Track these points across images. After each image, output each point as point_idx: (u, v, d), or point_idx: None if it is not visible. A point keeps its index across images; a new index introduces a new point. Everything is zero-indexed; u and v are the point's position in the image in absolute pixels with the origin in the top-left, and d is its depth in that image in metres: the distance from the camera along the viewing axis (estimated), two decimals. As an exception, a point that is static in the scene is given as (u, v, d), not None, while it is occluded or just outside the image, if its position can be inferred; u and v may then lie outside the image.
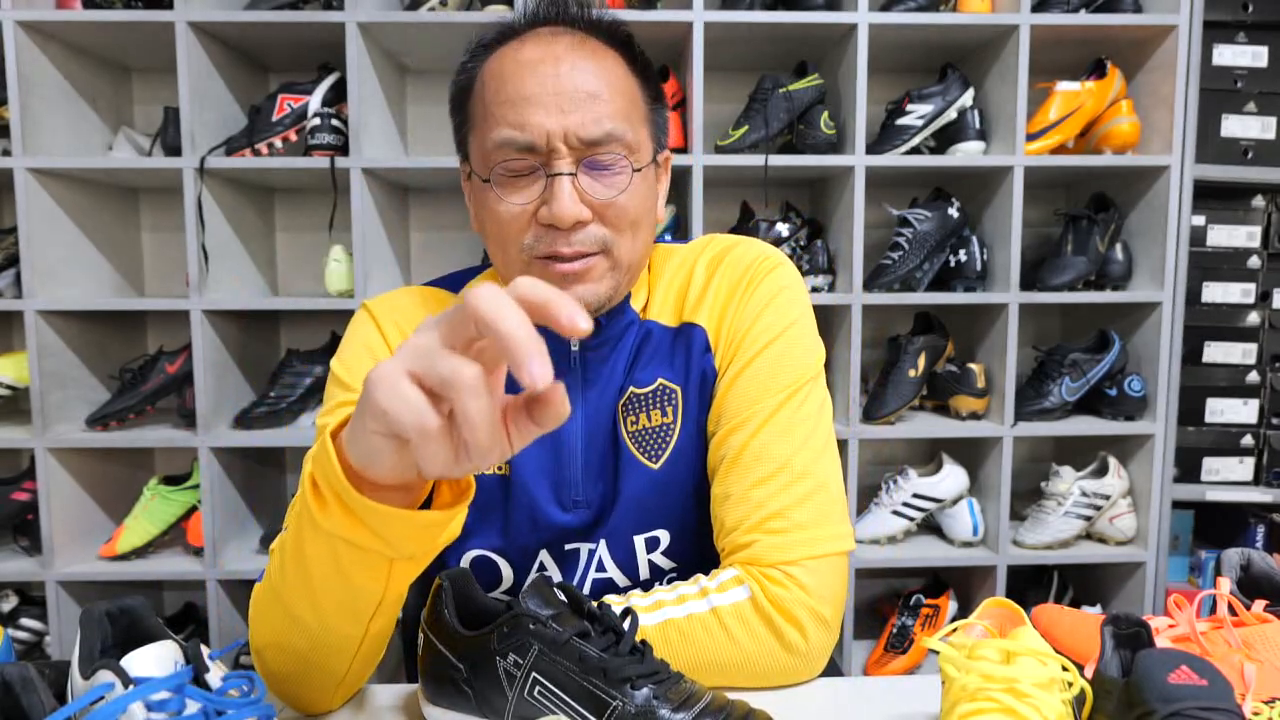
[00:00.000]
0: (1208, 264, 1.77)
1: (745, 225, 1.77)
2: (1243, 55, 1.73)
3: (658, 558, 0.79)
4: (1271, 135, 1.74)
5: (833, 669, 0.81)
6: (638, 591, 0.73)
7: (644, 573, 0.79)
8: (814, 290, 1.71)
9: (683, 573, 0.79)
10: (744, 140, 1.66)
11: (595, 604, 0.59)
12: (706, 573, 0.72)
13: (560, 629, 0.55)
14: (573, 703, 0.54)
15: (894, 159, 1.66)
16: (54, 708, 0.47)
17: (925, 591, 1.86)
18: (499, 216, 0.72)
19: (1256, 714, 0.52)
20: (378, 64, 1.68)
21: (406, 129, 1.90)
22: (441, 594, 0.60)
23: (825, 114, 1.67)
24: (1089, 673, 0.56)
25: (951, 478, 1.74)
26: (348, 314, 1.80)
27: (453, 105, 0.78)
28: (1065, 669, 0.51)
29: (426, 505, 0.52)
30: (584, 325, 0.40)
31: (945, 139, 1.72)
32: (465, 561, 0.79)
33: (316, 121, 1.61)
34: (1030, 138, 1.67)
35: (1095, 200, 1.79)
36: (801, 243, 1.76)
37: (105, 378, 1.78)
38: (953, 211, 1.72)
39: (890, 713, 0.63)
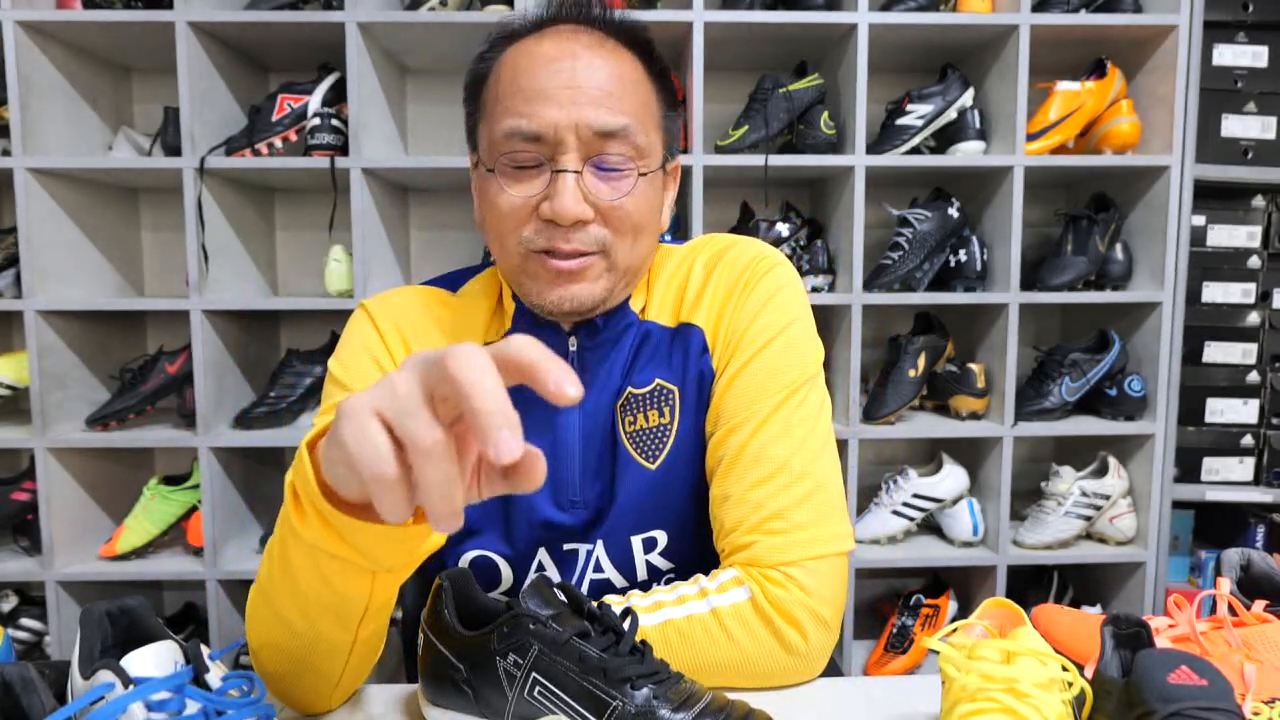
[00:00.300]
0: (1208, 264, 1.77)
1: (745, 225, 1.77)
2: (1243, 55, 1.73)
3: (655, 558, 0.79)
4: (1271, 135, 1.74)
5: (833, 669, 0.81)
6: (637, 592, 0.73)
7: (641, 573, 0.79)
8: (814, 290, 1.72)
9: (680, 573, 0.79)
10: (744, 140, 1.66)
11: (595, 604, 0.59)
12: (704, 573, 0.72)
13: (560, 629, 0.55)
14: (573, 703, 0.54)
15: (894, 159, 1.66)
16: (54, 708, 0.47)
17: (925, 591, 1.86)
18: (500, 207, 0.71)
19: (1256, 714, 0.52)
20: (378, 64, 1.68)
21: (406, 129, 1.90)
22: (441, 594, 0.60)
23: (825, 114, 1.67)
24: (1089, 673, 0.56)
25: (951, 478, 1.74)
26: (348, 314, 1.80)
27: (466, 94, 0.78)
28: (1065, 669, 0.51)
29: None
30: (572, 393, 0.38)
31: (945, 139, 1.72)
32: (464, 562, 0.79)
33: (316, 121, 1.61)
34: (1030, 138, 1.67)
35: (1095, 200, 1.79)
36: (801, 243, 1.76)
37: (105, 378, 1.78)
38: (953, 211, 1.72)
39: (890, 713, 0.63)
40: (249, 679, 0.52)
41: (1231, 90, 1.73)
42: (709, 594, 0.68)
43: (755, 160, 1.63)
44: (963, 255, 1.73)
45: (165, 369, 1.68)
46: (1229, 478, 1.79)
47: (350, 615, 0.56)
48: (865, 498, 1.83)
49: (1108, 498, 1.72)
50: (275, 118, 1.63)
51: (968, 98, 1.69)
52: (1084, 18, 1.64)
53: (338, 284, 1.68)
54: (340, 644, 0.58)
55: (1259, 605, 0.64)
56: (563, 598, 0.58)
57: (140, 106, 1.88)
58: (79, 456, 1.68)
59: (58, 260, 1.64)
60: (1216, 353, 1.78)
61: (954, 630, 0.59)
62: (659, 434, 0.77)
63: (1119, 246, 1.76)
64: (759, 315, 0.76)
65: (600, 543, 0.78)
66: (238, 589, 1.70)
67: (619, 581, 0.79)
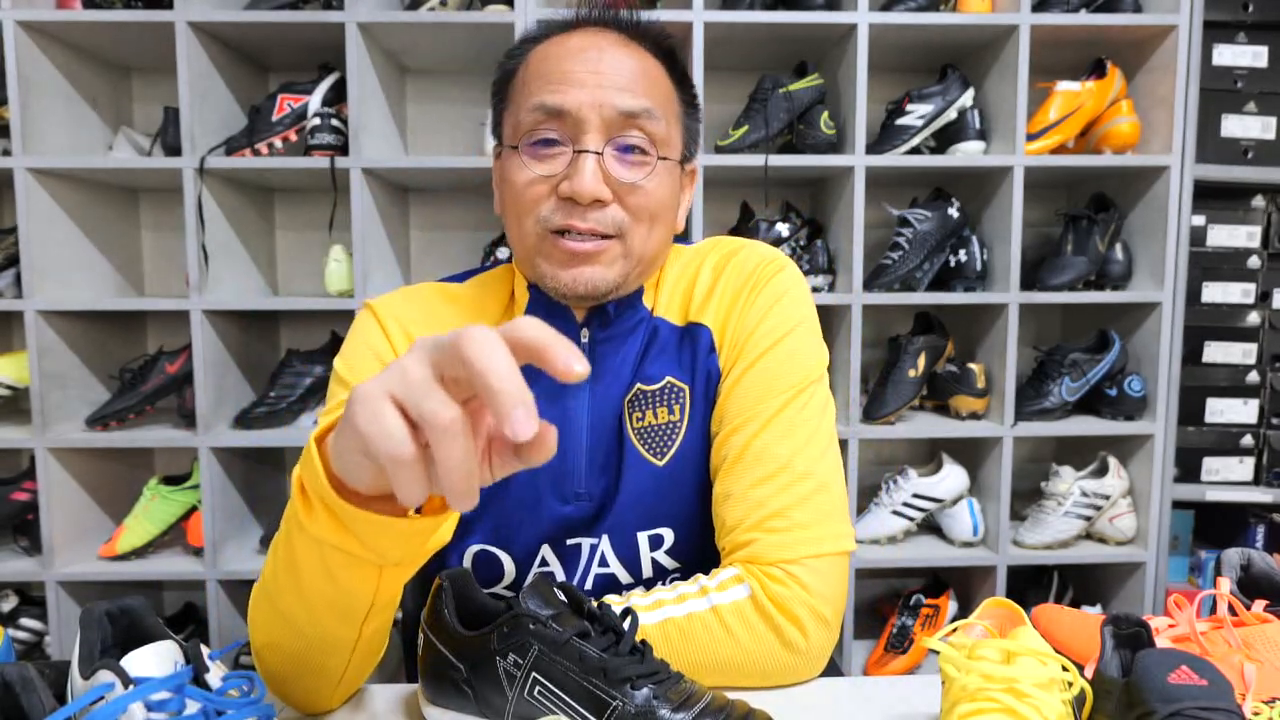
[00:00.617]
0: (1208, 264, 1.77)
1: (745, 225, 1.77)
2: (1243, 55, 1.73)
3: (661, 556, 0.79)
4: (1271, 135, 1.74)
5: (833, 669, 0.81)
6: (638, 591, 0.73)
7: (647, 570, 0.79)
8: (814, 290, 1.72)
9: (686, 573, 0.79)
10: (744, 140, 1.66)
11: (595, 604, 0.59)
12: (709, 573, 0.72)
13: (560, 629, 0.55)
14: (573, 703, 0.54)
15: (894, 159, 1.66)
16: (54, 708, 0.47)
17: (925, 591, 1.86)
18: (519, 184, 0.73)
19: (1256, 714, 0.52)
20: (378, 64, 1.68)
21: (406, 129, 1.90)
22: (441, 594, 0.60)
23: (825, 114, 1.67)
24: (1089, 673, 0.56)
25: (951, 478, 1.74)
26: (348, 314, 1.80)
27: (494, 89, 0.80)
28: (1065, 669, 0.51)
29: (418, 509, 0.52)
30: (580, 369, 0.39)
31: (945, 139, 1.72)
32: (467, 556, 0.79)
33: (316, 121, 1.61)
34: (1030, 138, 1.67)
35: (1095, 200, 1.79)
36: (801, 243, 1.76)
37: (105, 378, 1.78)
38: (953, 211, 1.72)
39: (890, 713, 0.63)
40: (249, 679, 0.52)
41: (1231, 90, 1.73)
42: (709, 592, 0.68)
43: (755, 160, 1.63)
44: (963, 255, 1.74)
45: (165, 369, 1.68)
46: (1229, 478, 1.79)
47: (355, 612, 0.56)
48: (865, 498, 1.83)
49: (1108, 498, 1.72)
50: (275, 118, 1.63)
51: (968, 98, 1.69)
52: (1084, 18, 1.64)
53: (338, 284, 1.68)
54: (344, 642, 0.58)
55: (1259, 605, 0.64)
56: (563, 598, 0.58)
57: (140, 106, 1.88)
58: (79, 456, 1.68)
59: (58, 260, 1.64)
60: (1216, 353, 1.78)
61: (954, 630, 0.59)
62: (668, 431, 0.78)
63: (1119, 246, 1.76)
64: (765, 318, 0.77)
65: (605, 537, 0.78)
66: (238, 589, 1.70)
67: (624, 577, 0.79)
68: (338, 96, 1.66)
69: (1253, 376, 1.78)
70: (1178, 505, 1.79)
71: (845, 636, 1.75)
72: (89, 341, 1.74)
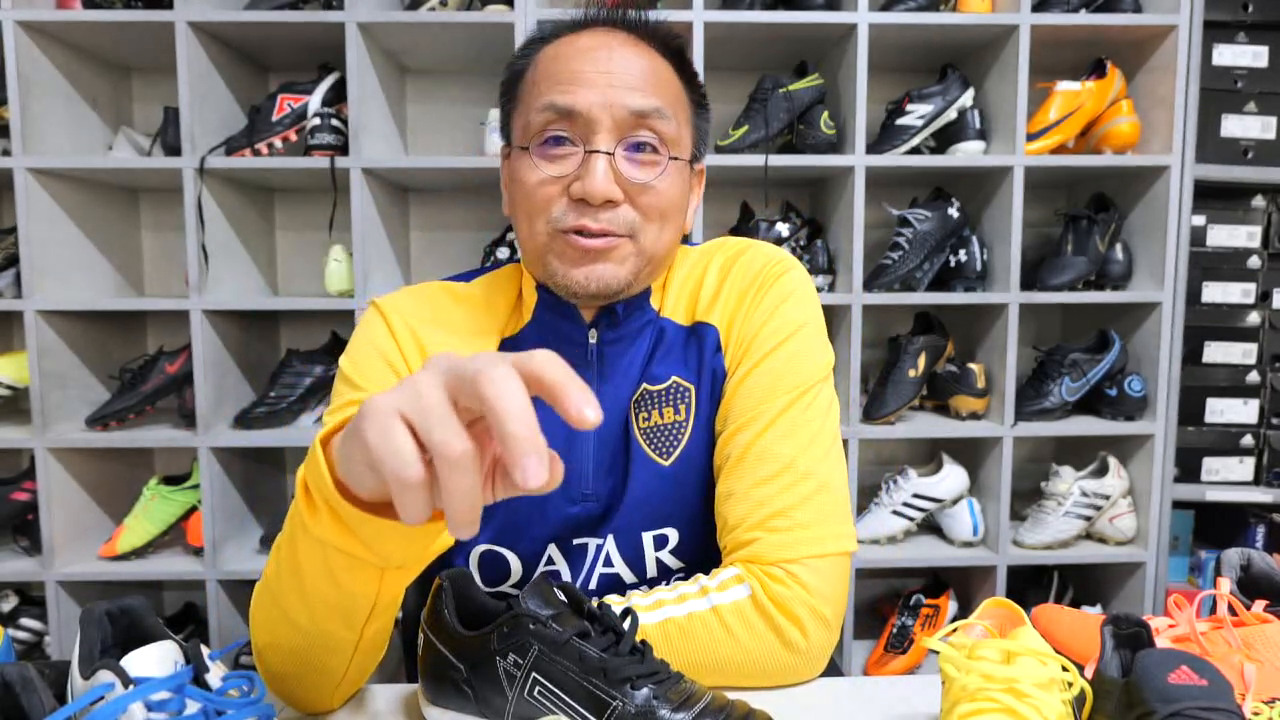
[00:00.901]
0: (1208, 264, 1.77)
1: (745, 225, 1.77)
2: (1243, 55, 1.73)
3: (666, 556, 0.79)
4: (1271, 135, 1.74)
5: (833, 669, 0.81)
6: (638, 591, 0.73)
7: (651, 570, 0.79)
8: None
9: (691, 573, 0.79)
10: (744, 140, 1.66)
11: (595, 604, 0.59)
12: (710, 573, 0.72)
13: (560, 629, 0.55)
14: (573, 703, 0.54)
15: (894, 159, 1.66)
16: (54, 708, 0.47)
17: (925, 591, 1.86)
18: (530, 184, 0.73)
19: (1256, 714, 0.52)
20: (378, 64, 1.68)
21: (406, 129, 1.90)
22: (441, 594, 0.60)
23: (825, 114, 1.67)
24: (1089, 673, 0.56)
25: (951, 478, 1.74)
26: (348, 314, 1.80)
27: (502, 90, 0.80)
28: (1065, 669, 0.51)
29: None
30: (592, 418, 0.38)
31: (945, 139, 1.72)
32: (474, 557, 0.79)
33: (316, 121, 1.61)
34: (1030, 138, 1.67)
35: (1095, 200, 1.79)
36: (801, 243, 1.76)
37: (105, 378, 1.78)
38: (953, 211, 1.72)
39: (890, 713, 0.63)
40: (249, 679, 0.52)
41: (1231, 90, 1.73)
42: (710, 592, 0.68)
43: (755, 160, 1.63)
44: (963, 255, 1.74)
45: (165, 369, 1.68)
46: (1229, 478, 1.79)
47: (356, 613, 0.56)
48: (865, 498, 1.83)
49: (1108, 498, 1.72)
50: (275, 118, 1.63)
51: (968, 98, 1.69)
52: (1084, 18, 1.64)
53: (338, 284, 1.68)
54: (345, 642, 0.58)
55: (1259, 605, 0.64)
56: (563, 598, 0.58)
57: (140, 106, 1.88)
58: (79, 456, 1.68)
59: (58, 260, 1.64)
60: (1216, 353, 1.78)
61: (954, 630, 0.59)
62: (674, 431, 0.78)
63: (1119, 246, 1.76)
64: (771, 318, 0.77)
65: (611, 538, 0.78)
66: (238, 589, 1.70)
67: (628, 577, 0.79)
68: (338, 96, 1.66)
69: (1253, 376, 1.78)
70: (1178, 505, 1.79)
71: (845, 636, 1.75)
72: (89, 341, 1.74)
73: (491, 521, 0.78)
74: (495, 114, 1.67)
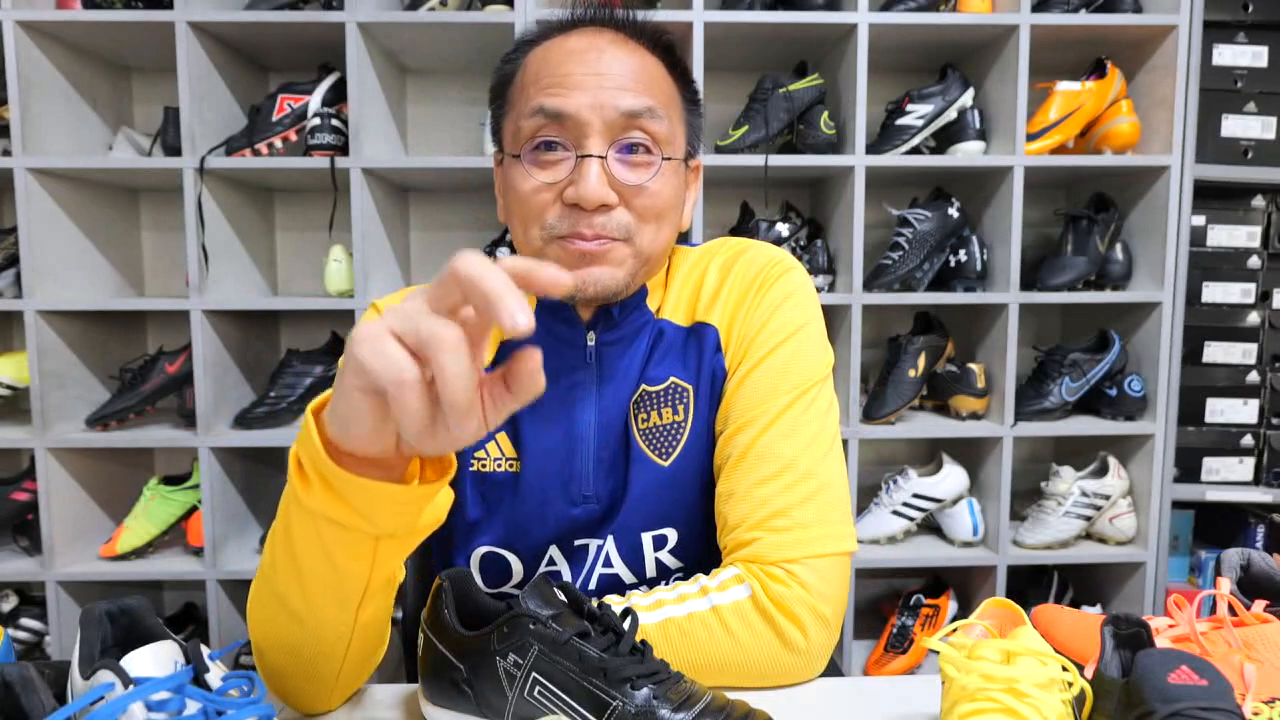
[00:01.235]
0: (1208, 264, 1.77)
1: (745, 225, 1.77)
2: (1243, 55, 1.73)
3: (665, 556, 0.79)
4: (1271, 135, 1.74)
5: (833, 669, 0.81)
6: (638, 591, 0.73)
7: (650, 570, 0.79)
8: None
9: (690, 572, 0.80)
10: (744, 140, 1.66)
11: (595, 604, 0.59)
12: (710, 573, 0.72)
13: (560, 629, 0.55)
14: (573, 703, 0.54)
15: (894, 159, 1.66)
16: (54, 708, 0.47)
17: (925, 591, 1.86)
18: (523, 192, 0.72)
19: (1256, 714, 0.52)
20: (378, 64, 1.68)
21: (406, 129, 1.90)
22: (441, 594, 0.60)
23: (825, 114, 1.67)
24: (1089, 673, 0.56)
25: (951, 478, 1.74)
26: (348, 314, 1.80)
27: (492, 95, 0.80)
28: (1065, 669, 0.51)
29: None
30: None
31: (945, 139, 1.72)
32: (475, 558, 0.79)
33: (316, 121, 1.61)
34: (1030, 138, 1.67)
35: (1095, 200, 1.79)
36: (801, 243, 1.76)
37: (105, 378, 1.78)
38: (953, 211, 1.72)
39: (890, 713, 0.63)
40: (249, 679, 0.52)
41: (1231, 90, 1.73)
42: (710, 592, 0.68)
43: (755, 160, 1.63)
44: (963, 255, 1.74)
45: (165, 369, 1.68)
46: (1229, 478, 1.79)
47: (351, 594, 0.56)
48: (865, 498, 1.83)
49: (1108, 498, 1.72)
50: (275, 118, 1.63)
51: (968, 98, 1.69)
52: (1084, 18, 1.64)
53: (338, 284, 1.68)
54: (340, 627, 0.58)
55: (1259, 605, 0.64)
56: (563, 598, 0.58)
57: (140, 106, 1.88)
58: (79, 456, 1.68)
59: (58, 260, 1.64)
60: (1216, 353, 1.78)
61: (954, 630, 0.59)
62: (673, 431, 0.78)
63: (1119, 246, 1.76)
64: (772, 318, 0.77)
65: (611, 538, 0.78)
66: (238, 589, 1.70)
67: (627, 577, 0.79)
68: (338, 96, 1.66)
69: (1253, 376, 1.78)
70: (1178, 505, 1.79)
71: (845, 636, 1.75)
72: (89, 341, 1.74)
73: (493, 524, 0.79)
74: (495, 114, 1.67)
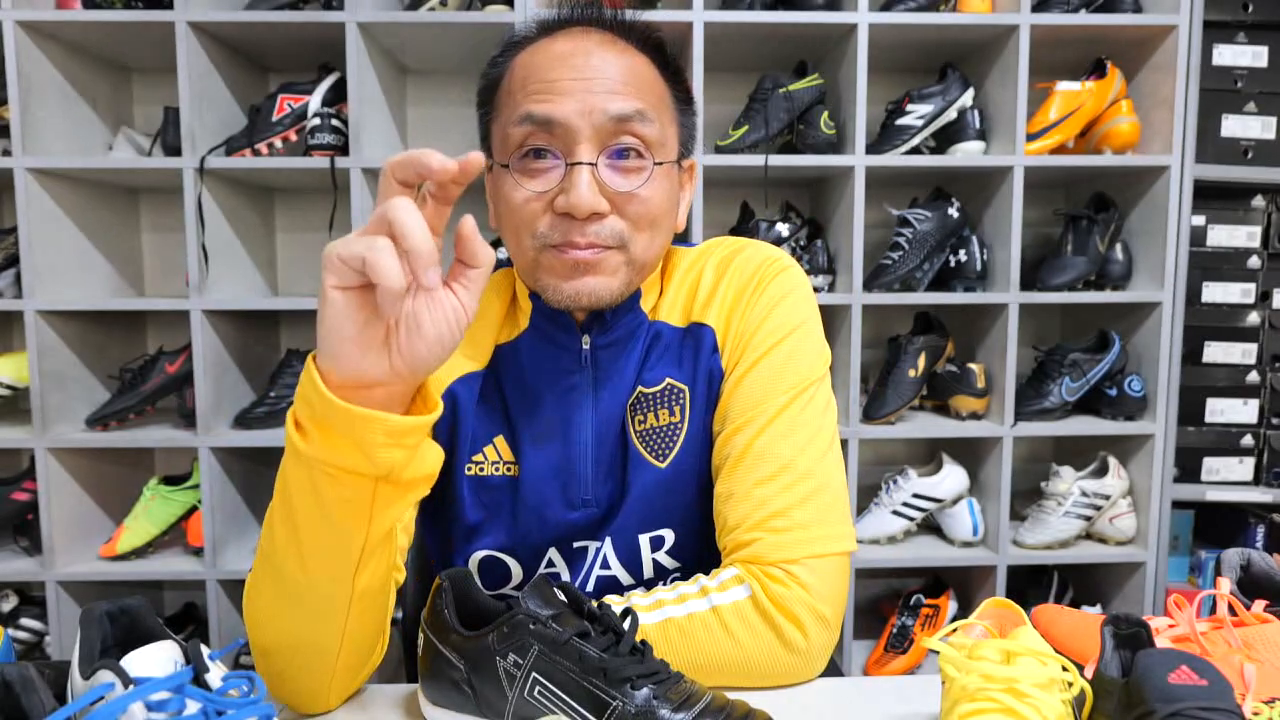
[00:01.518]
0: (1208, 264, 1.77)
1: (745, 225, 1.77)
2: (1243, 55, 1.73)
3: (662, 557, 0.79)
4: (1271, 135, 1.74)
5: (833, 669, 0.81)
6: (638, 591, 0.73)
7: (648, 571, 0.79)
8: (814, 290, 1.71)
9: (687, 573, 0.80)
10: (744, 140, 1.66)
11: (595, 604, 0.59)
12: (709, 573, 0.72)
13: (560, 629, 0.55)
14: (573, 703, 0.54)
15: (894, 159, 1.66)
16: (54, 708, 0.47)
17: (925, 591, 1.86)
18: (514, 202, 0.71)
19: (1256, 714, 0.52)
20: (378, 64, 1.68)
21: (406, 129, 1.90)
22: (441, 594, 0.60)
23: (825, 114, 1.67)
24: (1089, 673, 0.56)
25: (951, 478, 1.74)
26: (348, 314, 1.80)
27: (479, 99, 0.79)
28: (1065, 669, 0.51)
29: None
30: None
31: (945, 139, 1.72)
32: (474, 562, 0.79)
33: (316, 121, 1.61)
34: (1030, 138, 1.67)
35: (1095, 200, 1.79)
36: (801, 243, 1.76)
37: (105, 378, 1.78)
38: (953, 211, 1.72)
39: (890, 713, 0.63)
40: (249, 679, 0.52)
41: (1231, 90, 1.73)
42: (710, 592, 0.68)
43: (755, 160, 1.63)
44: (963, 255, 1.74)
45: (165, 369, 1.68)
46: (1229, 478, 1.79)
47: (348, 554, 0.57)
48: (865, 498, 1.83)
49: (1108, 498, 1.72)
50: (275, 118, 1.63)
51: (968, 98, 1.69)
52: (1084, 18, 1.64)
53: (338, 284, 1.68)
54: (338, 599, 0.58)
55: (1259, 605, 0.64)
56: (563, 598, 0.58)
57: (140, 106, 1.88)
58: (79, 456, 1.68)
59: (58, 260, 1.64)
60: (1216, 353, 1.78)
61: (954, 630, 0.59)
62: (669, 433, 0.78)
63: (1119, 246, 1.76)
64: (769, 317, 0.77)
65: (608, 540, 0.78)
66: (238, 589, 1.70)
67: (625, 579, 0.79)
68: (338, 96, 1.66)
69: (1253, 376, 1.78)
70: (1178, 505, 1.79)
71: (845, 636, 1.75)
72: (89, 341, 1.74)
73: (492, 528, 0.79)
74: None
